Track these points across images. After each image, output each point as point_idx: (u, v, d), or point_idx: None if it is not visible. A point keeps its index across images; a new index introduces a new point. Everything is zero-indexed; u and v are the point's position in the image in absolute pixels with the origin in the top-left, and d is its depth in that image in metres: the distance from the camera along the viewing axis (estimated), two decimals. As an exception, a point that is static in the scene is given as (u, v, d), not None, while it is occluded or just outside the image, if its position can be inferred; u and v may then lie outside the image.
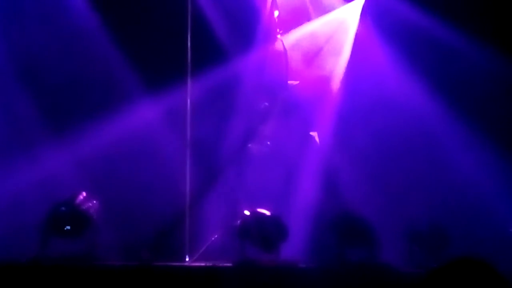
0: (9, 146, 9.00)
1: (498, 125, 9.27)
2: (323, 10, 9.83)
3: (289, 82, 9.72)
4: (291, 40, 9.85)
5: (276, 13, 9.68)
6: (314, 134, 9.51)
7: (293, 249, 7.24)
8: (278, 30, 9.71)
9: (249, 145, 9.41)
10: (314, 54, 9.85)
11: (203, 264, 7.07)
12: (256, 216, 7.00)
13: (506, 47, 9.28)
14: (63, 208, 6.68)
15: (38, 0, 9.22)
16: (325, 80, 9.77)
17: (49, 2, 9.21)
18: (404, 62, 9.33)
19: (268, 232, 6.87)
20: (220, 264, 6.80)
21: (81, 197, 6.84)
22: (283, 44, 9.68)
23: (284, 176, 9.27)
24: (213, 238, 8.53)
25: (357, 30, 9.65)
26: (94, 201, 6.89)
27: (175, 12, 9.34)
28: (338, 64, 9.70)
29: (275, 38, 9.69)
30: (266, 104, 9.60)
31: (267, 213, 7.04)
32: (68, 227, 6.58)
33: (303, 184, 9.20)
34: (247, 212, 7.05)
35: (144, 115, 9.21)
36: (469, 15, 9.27)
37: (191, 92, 9.29)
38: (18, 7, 9.22)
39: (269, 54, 9.69)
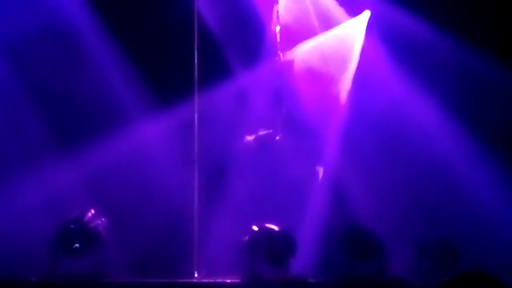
0: (17, 164, 9.02)
1: (508, 139, 9.26)
2: (329, 24, 9.85)
3: (292, 95, 9.73)
4: (297, 54, 9.86)
5: (277, 28, 9.70)
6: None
7: (302, 264, 7.23)
8: (279, 45, 9.72)
9: (259, 133, 9.40)
10: (320, 68, 9.86)
11: (212, 280, 7.07)
12: (265, 231, 6.99)
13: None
14: (72, 226, 6.70)
15: (41, 16, 9.24)
16: (332, 94, 9.78)
17: (52, 21, 9.24)
18: (410, 76, 9.33)
19: (277, 247, 6.86)
20: (229, 280, 6.80)
21: (90, 214, 6.86)
22: (285, 58, 9.69)
23: (293, 191, 9.27)
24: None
25: (363, 44, 9.66)
26: (103, 219, 6.91)
27: (181, 27, 9.37)
28: (345, 78, 9.71)
29: (278, 53, 9.71)
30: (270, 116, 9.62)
31: (276, 228, 7.03)
32: (77, 245, 6.59)
33: (312, 199, 9.19)
34: (255, 228, 7.04)
35: (151, 131, 9.22)
36: (478, 30, 9.27)
37: (198, 106, 9.30)
38: (22, 25, 9.24)
39: (272, 68, 9.70)
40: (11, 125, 9.15)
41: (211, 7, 9.50)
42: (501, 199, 9.02)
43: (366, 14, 9.68)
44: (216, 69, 9.39)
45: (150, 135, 9.22)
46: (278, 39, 9.74)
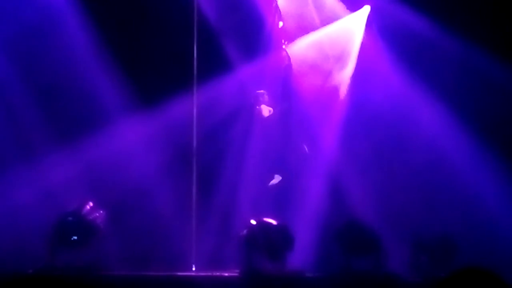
0: (15, 156, 9.01)
1: (507, 137, 9.27)
2: (329, 19, 9.85)
3: (293, 91, 9.74)
4: (297, 49, 9.86)
5: (280, 23, 9.71)
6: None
7: (299, 258, 7.23)
8: (283, 41, 9.73)
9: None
10: (319, 63, 9.85)
11: (209, 273, 7.07)
12: (263, 225, 6.97)
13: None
14: (70, 218, 6.68)
15: (33, 9, 9.22)
16: (331, 89, 9.77)
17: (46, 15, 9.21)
18: (409, 72, 9.33)
19: (275, 242, 6.85)
20: (227, 274, 6.80)
21: (88, 207, 6.84)
22: (287, 54, 9.70)
23: (291, 186, 9.28)
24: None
25: (363, 39, 9.66)
26: (101, 211, 6.89)
27: (181, 22, 9.36)
28: (344, 73, 9.70)
29: (280, 49, 9.72)
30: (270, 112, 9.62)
31: (274, 222, 7.02)
32: (75, 237, 6.58)
33: (310, 193, 9.19)
34: (253, 222, 7.03)
35: (150, 124, 9.23)
36: (477, 25, 9.26)
37: (197, 101, 9.31)
38: (18, 21, 9.21)
39: (273, 64, 9.71)
40: (7, 118, 9.14)
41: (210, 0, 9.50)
42: (499, 195, 9.03)
43: (366, 9, 9.69)
44: (216, 64, 9.39)
45: (149, 129, 9.22)
46: (277, 35, 9.74)
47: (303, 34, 9.87)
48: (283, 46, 9.76)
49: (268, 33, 9.71)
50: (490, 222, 8.96)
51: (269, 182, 9.32)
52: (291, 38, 9.87)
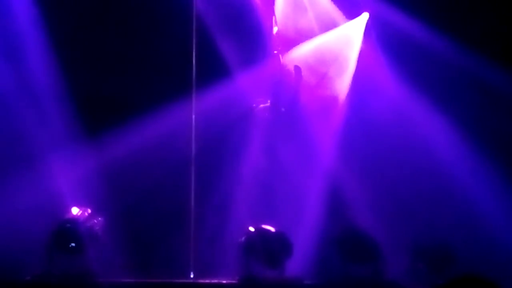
0: (12, 162, 9.01)
1: (506, 143, 9.28)
2: (328, 26, 9.86)
3: (290, 96, 9.75)
4: (295, 56, 9.87)
5: (275, 29, 9.72)
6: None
7: (298, 265, 7.23)
8: (277, 47, 9.75)
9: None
10: (318, 71, 9.86)
11: (208, 280, 7.06)
12: (261, 232, 6.98)
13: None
14: (68, 225, 6.68)
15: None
16: (330, 96, 9.78)
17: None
18: (408, 79, 9.34)
19: (273, 249, 6.85)
20: (225, 281, 6.80)
21: (86, 214, 6.84)
22: (281, 60, 9.71)
23: (289, 192, 9.27)
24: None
25: (361, 46, 9.67)
26: (99, 218, 6.89)
27: (180, 28, 9.37)
28: (343, 80, 9.72)
29: (275, 55, 9.73)
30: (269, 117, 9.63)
31: (272, 229, 7.03)
32: (73, 244, 6.58)
33: (308, 200, 9.19)
34: (251, 229, 7.03)
35: (148, 131, 9.22)
36: (480, 34, 9.28)
37: (196, 108, 9.31)
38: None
39: (270, 70, 9.72)
40: (4, 118, 9.14)
41: (209, 6, 9.51)
42: (499, 203, 9.03)
43: (365, 17, 9.70)
44: (214, 69, 9.40)
45: (146, 136, 9.22)
46: (275, 40, 9.75)
47: (302, 41, 9.88)
48: (276, 52, 9.76)
49: (266, 38, 9.73)
50: (489, 230, 8.95)
51: (268, 188, 9.31)
52: (290, 45, 9.88)
